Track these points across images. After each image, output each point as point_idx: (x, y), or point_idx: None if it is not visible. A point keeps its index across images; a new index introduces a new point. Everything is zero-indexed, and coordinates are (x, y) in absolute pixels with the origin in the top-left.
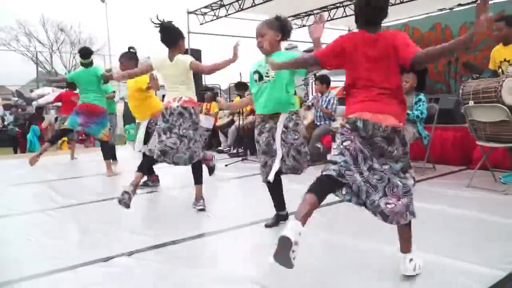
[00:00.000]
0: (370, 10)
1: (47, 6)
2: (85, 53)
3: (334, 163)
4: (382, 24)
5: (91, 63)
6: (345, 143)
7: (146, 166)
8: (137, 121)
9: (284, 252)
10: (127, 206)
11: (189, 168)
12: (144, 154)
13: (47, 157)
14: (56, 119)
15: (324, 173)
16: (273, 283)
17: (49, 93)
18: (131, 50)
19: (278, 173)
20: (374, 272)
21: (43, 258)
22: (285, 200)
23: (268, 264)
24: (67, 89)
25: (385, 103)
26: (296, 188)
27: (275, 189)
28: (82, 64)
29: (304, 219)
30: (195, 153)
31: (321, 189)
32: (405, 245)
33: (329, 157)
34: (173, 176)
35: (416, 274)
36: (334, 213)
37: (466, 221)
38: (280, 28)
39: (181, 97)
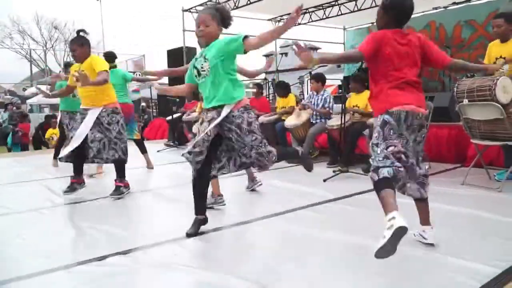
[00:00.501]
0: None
1: (41, 3)
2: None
3: (383, 166)
4: None
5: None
6: (390, 149)
7: None
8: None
9: (396, 241)
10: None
11: (184, 167)
12: None
13: (43, 156)
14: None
15: (380, 177)
16: (268, 280)
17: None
18: (81, 34)
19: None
20: (372, 268)
21: (37, 257)
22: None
23: (264, 261)
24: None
25: (418, 94)
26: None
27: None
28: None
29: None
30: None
31: (389, 185)
32: (425, 218)
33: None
34: (169, 176)
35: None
36: (330, 210)
37: (461, 218)
38: (222, 21)
39: None
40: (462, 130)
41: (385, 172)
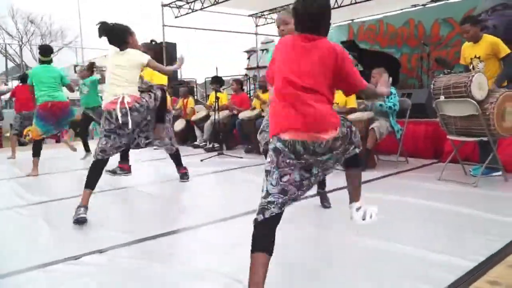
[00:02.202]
0: None
1: None
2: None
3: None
4: (358, 19)
5: (51, 61)
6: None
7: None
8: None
9: None
10: None
11: (162, 164)
12: None
13: (15, 153)
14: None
15: None
16: (245, 278)
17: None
18: None
19: None
20: (348, 263)
21: (11, 256)
22: None
23: (244, 259)
24: (21, 83)
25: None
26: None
27: None
28: (43, 61)
29: None
30: None
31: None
32: (355, 193)
33: None
34: (148, 173)
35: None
36: (308, 206)
37: (437, 213)
38: None
39: None
40: (439, 126)
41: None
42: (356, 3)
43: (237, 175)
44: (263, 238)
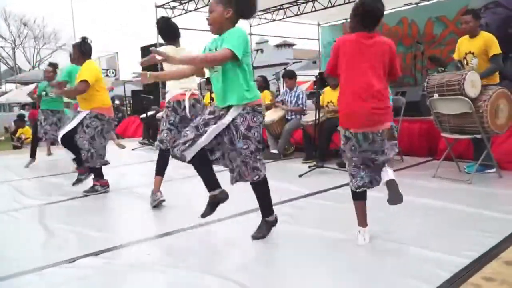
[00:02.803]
0: None
1: None
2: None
3: None
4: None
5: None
6: None
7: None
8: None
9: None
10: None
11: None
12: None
13: (9, 156)
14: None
15: None
16: (244, 277)
17: (11, 90)
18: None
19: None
20: (346, 262)
21: (6, 260)
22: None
23: (241, 258)
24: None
25: None
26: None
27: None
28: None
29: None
30: None
31: None
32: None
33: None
34: (143, 174)
35: None
36: (306, 205)
37: (432, 210)
38: (231, 2)
39: None
40: (433, 124)
41: None
42: (349, 2)
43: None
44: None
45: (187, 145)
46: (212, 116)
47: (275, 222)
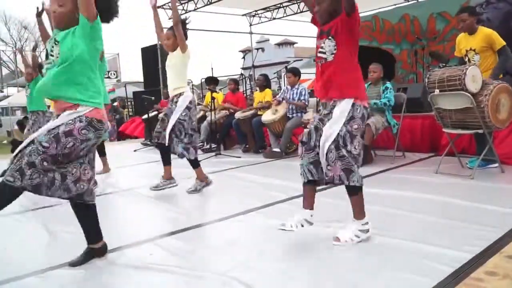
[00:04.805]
0: None
1: (9, 3)
2: None
3: None
4: None
5: None
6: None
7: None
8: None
9: None
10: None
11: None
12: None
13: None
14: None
15: None
16: (247, 276)
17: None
18: None
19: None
20: (348, 257)
21: (8, 263)
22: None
23: (241, 257)
24: None
25: None
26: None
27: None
28: None
29: None
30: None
31: None
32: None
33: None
34: (146, 175)
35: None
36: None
37: (434, 205)
38: None
39: None
40: (435, 119)
41: None
42: None
43: (235, 175)
44: None
45: None
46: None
47: None
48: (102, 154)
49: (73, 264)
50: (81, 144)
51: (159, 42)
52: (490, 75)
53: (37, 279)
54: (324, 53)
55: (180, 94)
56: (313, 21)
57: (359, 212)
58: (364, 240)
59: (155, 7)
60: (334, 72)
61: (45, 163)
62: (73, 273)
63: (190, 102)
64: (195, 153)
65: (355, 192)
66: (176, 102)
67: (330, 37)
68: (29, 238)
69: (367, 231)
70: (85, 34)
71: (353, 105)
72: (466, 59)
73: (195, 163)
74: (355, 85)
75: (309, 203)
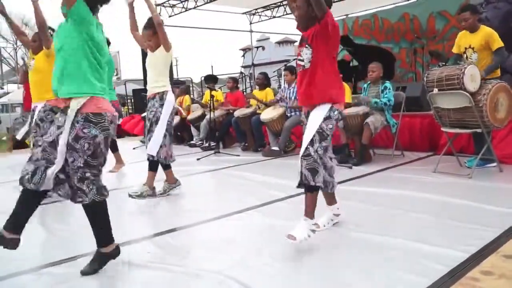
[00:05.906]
0: None
1: None
2: None
3: None
4: (352, 15)
5: None
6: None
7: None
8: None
9: None
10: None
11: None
12: None
13: (11, 157)
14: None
15: None
16: (244, 274)
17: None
18: None
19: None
20: (345, 257)
21: (5, 260)
22: None
23: (238, 256)
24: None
25: None
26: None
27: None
28: None
29: None
30: None
31: None
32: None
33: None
34: (144, 173)
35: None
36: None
37: (431, 204)
38: None
39: None
40: (434, 118)
41: None
42: None
43: (234, 173)
44: None
45: None
46: None
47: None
48: (115, 150)
49: (85, 273)
50: (94, 140)
51: None
52: (484, 70)
53: (33, 276)
54: (302, 60)
55: (163, 93)
56: (297, 27)
57: (311, 212)
58: (355, 239)
59: (131, 4)
60: (312, 79)
61: (88, 173)
62: (69, 271)
63: (173, 107)
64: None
65: (312, 190)
66: (160, 100)
67: (307, 45)
68: (26, 235)
69: (314, 231)
70: (75, 22)
71: (331, 107)
72: (464, 57)
73: (162, 166)
74: (334, 90)
75: (329, 202)
